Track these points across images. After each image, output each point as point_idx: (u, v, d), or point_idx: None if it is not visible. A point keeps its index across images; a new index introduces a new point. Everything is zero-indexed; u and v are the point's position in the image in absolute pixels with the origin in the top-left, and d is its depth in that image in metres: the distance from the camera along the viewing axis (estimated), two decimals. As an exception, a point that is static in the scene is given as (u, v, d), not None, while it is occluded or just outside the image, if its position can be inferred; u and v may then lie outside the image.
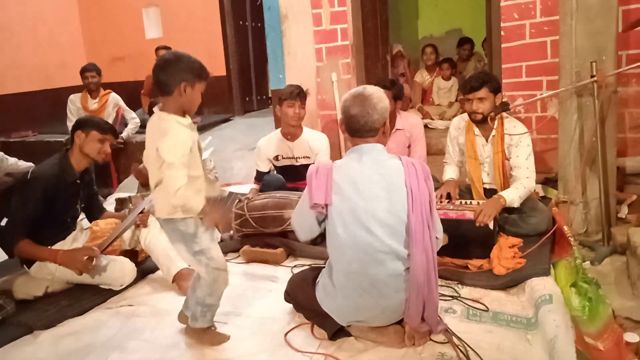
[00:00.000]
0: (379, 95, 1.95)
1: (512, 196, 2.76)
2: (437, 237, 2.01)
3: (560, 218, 2.81)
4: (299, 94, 3.36)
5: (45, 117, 6.16)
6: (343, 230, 1.90)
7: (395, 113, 3.49)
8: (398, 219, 1.89)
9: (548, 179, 3.51)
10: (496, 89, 2.88)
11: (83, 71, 5.05)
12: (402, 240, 1.90)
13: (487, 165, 3.03)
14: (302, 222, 2.08)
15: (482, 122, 2.92)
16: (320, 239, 3.01)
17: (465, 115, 3.06)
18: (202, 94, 2.01)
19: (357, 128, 1.94)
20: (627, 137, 3.51)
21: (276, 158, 3.51)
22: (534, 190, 3.22)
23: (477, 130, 3.01)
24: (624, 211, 3.00)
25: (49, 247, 2.64)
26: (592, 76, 2.67)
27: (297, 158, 3.47)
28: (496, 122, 2.93)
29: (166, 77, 1.93)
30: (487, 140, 2.99)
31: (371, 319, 2.01)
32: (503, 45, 3.74)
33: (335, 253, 1.98)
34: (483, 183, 3.07)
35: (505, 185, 2.93)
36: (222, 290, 2.13)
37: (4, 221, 2.62)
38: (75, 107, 5.09)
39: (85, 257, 2.53)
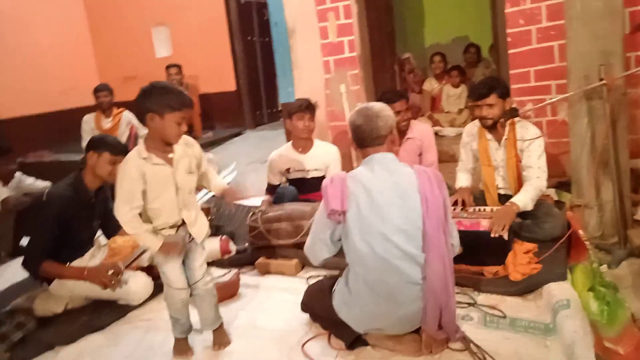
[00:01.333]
0: (381, 106, 2.05)
1: (525, 200, 2.76)
2: (452, 244, 2.02)
3: (575, 222, 2.79)
4: (307, 107, 3.39)
5: (60, 138, 6.25)
6: (360, 238, 1.92)
7: (409, 120, 3.51)
8: (413, 225, 1.91)
9: (561, 183, 3.48)
10: (504, 94, 2.89)
11: (96, 91, 5.14)
12: (418, 246, 1.91)
13: (501, 170, 3.03)
14: (314, 240, 2.09)
15: (492, 127, 2.93)
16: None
17: (477, 122, 3.07)
18: (196, 117, 2.05)
19: (363, 137, 2.01)
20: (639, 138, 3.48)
21: (288, 171, 3.54)
22: (548, 194, 3.22)
23: (489, 135, 3.02)
24: (639, 213, 2.97)
25: (68, 264, 2.68)
26: (600, 79, 2.67)
27: (308, 171, 3.49)
28: (507, 126, 2.93)
29: (137, 107, 2.02)
30: (499, 144, 3.00)
31: (388, 327, 2.01)
32: (510, 51, 3.74)
33: (352, 261, 2.00)
34: (498, 188, 3.06)
35: (519, 186, 2.92)
36: (179, 306, 2.18)
37: (25, 241, 2.68)
38: (90, 128, 5.18)
39: (110, 272, 2.59)
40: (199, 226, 2.19)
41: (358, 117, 2.03)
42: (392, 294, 1.92)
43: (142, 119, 2.04)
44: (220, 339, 2.28)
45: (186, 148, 2.14)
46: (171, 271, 2.14)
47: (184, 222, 2.13)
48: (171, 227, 2.12)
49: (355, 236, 1.93)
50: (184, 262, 2.19)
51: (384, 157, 2.00)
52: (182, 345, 2.24)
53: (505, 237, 2.59)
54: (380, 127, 1.98)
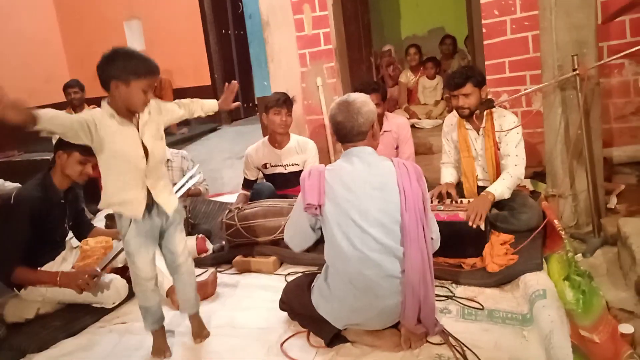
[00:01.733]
0: (362, 100, 2.00)
1: (500, 189, 2.77)
2: (432, 238, 2.01)
3: (550, 212, 2.82)
4: (285, 102, 3.35)
5: (30, 136, 6.06)
6: (338, 231, 1.91)
7: (383, 115, 3.49)
8: (392, 218, 1.90)
9: (537, 173, 3.52)
10: (480, 83, 2.90)
11: (66, 87, 5.01)
12: (397, 239, 1.91)
13: (481, 159, 3.05)
14: (296, 230, 2.10)
15: (469, 117, 2.95)
16: (312, 246, 3.01)
17: (455, 112, 3.07)
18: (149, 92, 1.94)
19: (344, 134, 1.99)
20: (613, 127, 3.54)
21: (265, 166, 3.50)
22: (524, 185, 3.25)
23: (468, 125, 3.03)
24: (613, 202, 3.01)
25: (39, 268, 2.61)
26: (574, 69, 2.68)
27: (285, 166, 3.46)
28: (485, 115, 2.94)
29: (100, 74, 1.90)
30: (478, 134, 3.01)
31: (367, 322, 2.00)
32: (485, 42, 3.76)
33: (331, 255, 1.99)
34: (478, 179, 3.07)
35: (499, 175, 2.93)
36: (148, 294, 2.13)
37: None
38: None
39: (87, 276, 2.53)
40: (166, 195, 2.08)
41: (339, 112, 1.98)
42: (370, 287, 1.91)
43: (105, 87, 1.91)
44: (199, 329, 2.26)
45: (152, 115, 2.03)
46: (141, 261, 2.07)
47: (152, 202, 2.03)
48: (139, 198, 2.00)
49: (334, 229, 1.92)
50: (162, 247, 2.16)
51: (363, 150, 1.99)
52: (160, 344, 2.18)
53: (482, 227, 2.60)
54: (361, 123, 1.96)
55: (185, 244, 2.19)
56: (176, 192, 2.58)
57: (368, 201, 1.90)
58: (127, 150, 1.94)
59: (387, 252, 1.89)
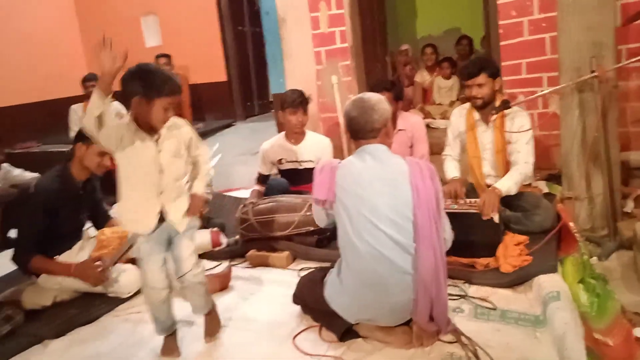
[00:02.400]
0: (377, 98, 2.03)
1: (508, 184, 2.75)
2: (444, 238, 2.01)
3: (565, 214, 2.81)
4: (301, 102, 3.36)
5: (47, 128, 6.18)
6: (350, 227, 1.93)
7: (397, 114, 3.49)
8: (403, 215, 1.90)
9: (552, 175, 3.50)
10: (494, 74, 2.89)
11: (84, 81, 5.07)
12: (409, 236, 1.91)
13: (488, 152, 3.03)
14: (315, 212, 2.16)
15: (482, 108, 2.93)
16: (326, 242, 3.03)
17: (466, 105, 3.07)
18: (181, 107, 1.97)
19: (357, 129, 2.00)
20: (630, 131, 3.50)
21: (280, 161, 3.52)
22: (537, 187, 3.23)
23: (477, 116, 3.02)
24: (629, 205, 2.99)
25: (56, 257, 2.66)
26: (592, 71, 2.67)
27: (300, 162, 3.47)
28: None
29: (122, 89, 1.92)
30: (487, 127, 3.00)
31: (379, 318, 2.01)
32: (502, 43, 3.74)
33: (344, 249, 2.00)
34: (486, 176, 3.07)
35: (507, 170, 2.92)
36: (158, 306, 2.10)
37: (13, 234, 2.64)
38: (77, 117, 5.11)
39: (99, 270, 2.56)
40: (178, 215, 2.06)
41: (353, 108, 2.01)
42: (382, 283, 1.91)
43: (126, 102, 1.93)
44: (212, 327, 2.24)
45: (171, 130, 2.04)
46: (151, 269, 2.05)
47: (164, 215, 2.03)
48: (150, 214, 2.00)
49: (346, 224, 1.94)
50: (171, 254, 2.12)
51: (376, 148, 2.00)
52: (169, 344, 2.16)
53: (496, 219, 2.58)
54: (375, 120, 1.97)
55: (192, 253, 2.12)
56: None
57: (377, 197, 1.91)
58: (143, 165, 1.96)
59: (399, 248, 1.89)
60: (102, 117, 1.79)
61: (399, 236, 1.89)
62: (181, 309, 2.27)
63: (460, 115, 3.15)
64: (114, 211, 3.63)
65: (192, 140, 2.13)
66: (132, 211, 2.02)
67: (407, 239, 1.90)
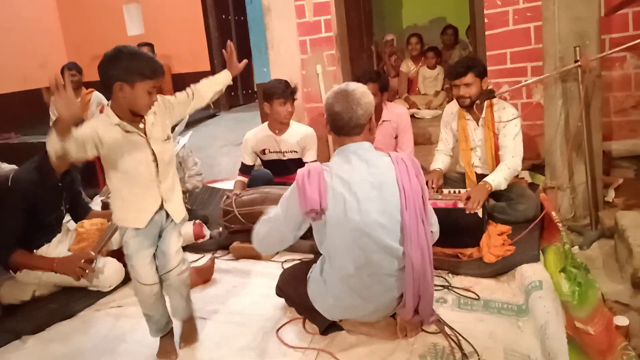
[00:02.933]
0: (362, 90, 1.89)
1: (498, 179, 2.79)
2: (432, 231, 1.99)
3: (548, 204, 2.82)
4: (291, 93, 3.32)
5: (27, 119, 6.05)
6: (337, 233, 1.85)
7: (382, 105, 3.47)
8: (392, 218, 1.85)
9: (535, 165, 3.52)
10: (482, 73, 2.91)
11: (63, 69, 4.97)
12: (397, 238, 1.86)
13: (479, 150, 3.06)
14: (272, 233, 2.00)
15: (470, 107, 2.95)
16: (310, 234, 3.01)
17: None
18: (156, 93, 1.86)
19: (341, 125, 1.88)
20: (612, 121, 3.53)
21: (263, 152, 3.48)
22: (522, 177, 3.25)
23: (467, 115, 3.04)
24: (610, 195, 3.02)
25: (35, 250, 2.61)
26: (575, 61, 2.67)
27: (284, 152, 3.44)
28: (485, 107, 2.94)
29: (102, 75, 1.80)
30: (478, 124, 3.01)
31: (362, 317, 2.00)
32: (487, 33, 3.73)
33: (328, 254, 1.93)
34: (474, 166, 3.09)
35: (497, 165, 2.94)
36: (150, 302, 2.01)
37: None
38: (58, 108, 5.01)
39: (83, 261, 2.51)
40: (177, 203, 2.00)
41: (336, 102, 1.86)
42: (367, 287, 1.89)
43: (108, 88, 1.80)
44: (188, 334, 2.15)
45: (157, 115, 1.94)
46: (140, 264, 1.95)
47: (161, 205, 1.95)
48: (151, 207, 1.92)
49: (333, 231, 1.85)
50: (157, 248, 2.03)
51: (361, 147, 1.89)
52: (165, 346, 2.07)
53: (480, 214, 2.60)
54: (360, 115, 1.85)
55: (179, 249, 2.05)
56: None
57: (368, 202, 1.83)
58: (136, 159, 1.86)
59: (386, 252, 1.86)
60: (62, 155, 1.67)
61: (387, 240, 1.84)
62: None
63: (451, 112, 3.17)
64: (95, 203, 3.59)
65: (169, 101, 2.00)
66: (129, 207, 1.91)
67: (394, 242, 1.86)
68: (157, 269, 2.01)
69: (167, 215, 1.99)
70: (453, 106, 3.17)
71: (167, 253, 2.01)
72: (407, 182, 1.86)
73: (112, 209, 1.96)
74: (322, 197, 1.81)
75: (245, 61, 2.28)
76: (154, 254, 2.01)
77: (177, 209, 2.01)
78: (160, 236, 2.02)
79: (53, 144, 1.64)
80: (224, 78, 2.20)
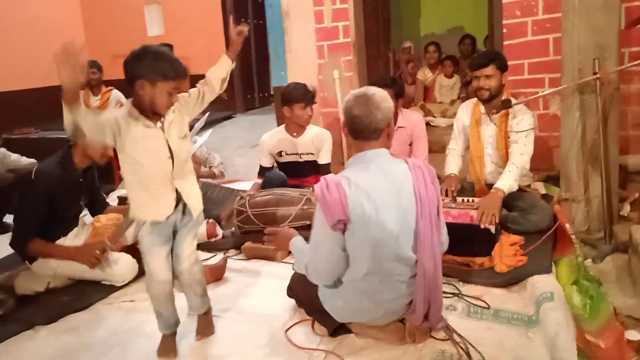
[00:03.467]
0: (382, 95, 1.86)
1: (509, 183, 2.77)
2: (441, 242, 1.99)
3: (562, 215, 2.81)
4: (312, 97, 3.36)
5: (47, 114, 6.15)
6: (354, 241, 1.84)
7: (397, 111, 3.48)
8: (407, 226, 1.85)
9: (550, 177, 3.50)
10: (503, 67, 2.90)
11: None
12: (410, 246, 1.87)
13: (489, 147, 3.04)
14: (328, 258, 1.88)
15: (489, 100, 2.93)
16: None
17: (474, 99, 3.09)
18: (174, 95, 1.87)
19: (360, 129, 1.85)
20: (629, 134, 3.50)
21: (279, 154, 3.51)
22: (536, 188, 3.23)
23: (482, 109, 3.03)
24: (626, 209, 2.99)
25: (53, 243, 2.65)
26: (594, 73, 2.66)
27: (300, 154, 3.47)
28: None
29: (127, 71, 1.83)
30: (490, 119, 3.01)
31: (371, 320, 2.00)
32: (505, 43, 3.73)
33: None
34: (486, 173, 3.08)
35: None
36: (161, 300, 2.04)
37: (9, 218, 2.63)
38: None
39: (99, 251, 2.56)
40: (195, 198, 2.02)
41: (356, 105, 1.84)
42: (377, 291, 1.90)
43: (130, 84, 1.83)
44: (204, 327, 2.19)
45: (176, 113, 1.96)
46: (154, 261, 1.98)
47: (178, 200, 1.97)
48: (167, 201, 1.94)
49: (350, 240, 1.84)
50: (171, 249, 2.05)
51: (378, 154, 1.87)
52: (167, 344, 2.09)
53: (493, 230, 2.59)
54: (379, 120, 1.82)
55: (192, 251, 2.08)
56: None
57: (386, 212, 1.82)
58: (153, 154, 1.88)
59: (400, 260, 1.87)
60: (80, 128, 1.71)
61: (401, 250, 1.85)
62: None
63: (466, 109, 3.16)
64: (111, 199, 3.65)
65: (185, 98, 2.01)
66: (147, 202, 1.93)
67: (408, 251, 1.86)
68: (170, 267, 2.04)
69: (183, 214, 2.02)
70: (469, 103, 3.17)
71: (180, 256, 2.06)
72: (424, 189, 1.86)
73: (129, 202, 1.99)
74: (345, 207, 1.78)
75: (243, 31, 2.15)
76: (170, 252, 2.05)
77: (194, 204, 2.03)
78: (175, 235, 2.04)
79: (66, 118, 1.69)
80: (224, 64, 2.12)
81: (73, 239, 2.73)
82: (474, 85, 2.98)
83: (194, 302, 2.18)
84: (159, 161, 1.90)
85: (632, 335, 1.86)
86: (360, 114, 1.83)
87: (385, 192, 1.83)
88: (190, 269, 2.08)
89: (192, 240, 2.08)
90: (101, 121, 1.80)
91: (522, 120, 2.89)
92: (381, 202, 1.82)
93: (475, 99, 3.07)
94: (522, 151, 2.86)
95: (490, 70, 2.86)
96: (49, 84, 6.48)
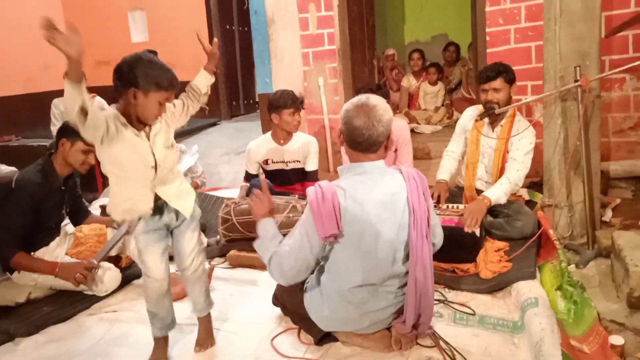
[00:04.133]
0: (384, 107, 1.82)
1: (497, 194, 2.80)
2: (433, 243, 2.00)
3: (545, 221, 2.83)
4: (301, 103, 3.36)
5: (28, 122, 6.07)
6: (347, 253, 1.83)
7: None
8: (400, 239, 1.86)
9: (533, 183, 3.54)
10: (512, 80, 2.94)
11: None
12: (402, 258, 1.87)
13: (486, 157, 3.06)
14: (296, 263, 1.86)
15: (493, 113, 2.95)
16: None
17: (479, 106, 3.11)
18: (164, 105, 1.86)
19: (360, 141, 1.80)
20: (611, 141, 3.55)
21: (266, 162, 3.49)
22: (520, 195, 3.26)
23: (486, 119, 3.05)
24: (608, 215, 3.03)
25: (33, 252, 2.61)
26: (575, 80, 2.70)
27: (287, 162, 3.45)
28: (507, 116, 2.99)
29: (118, 78, 1.79)
30: (493, 130, 3.02)
31: (358, 329, 2.00)
32: (488, 50, 3.77)
33: (331, 271, 1.92)
34: (477, 179, 3.10)
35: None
36: (157, 299, 2.02)
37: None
38: (59, 111, 5.02)
39: (85, 269, 2.52)
40: (183, 200, 2.01)
41: (357, 116, 1.78)
42: (365, 301, 1.90)
43: (119, 92, 1.80)
44: (204, 338, 2.15)
45: (162, 123, 1.94)
46: (150, 259, 1.98)
47: (161, 204, 1.96)
48: (145, 204, 1.93)
49: (341, 251, 1.83)
50: (173, 246, 2.07)
51: (375, 167, 1.85)
52: (159, 351, 2.06)
53: (477, 233, 2.61)
54: (380, 133, 1.78)
55: (195, 244, 2.08)
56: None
57: (381, 225, 1.81)
58: (136, 162, 1.86)
59: (391, 273, 1.87)
60: (85, 107, 1.62)
61: (393, 264, 1.86)
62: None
63: (471, 112, 3.18)
64: (93, 208, 3.59)
65: (170, 109, 1.99)
66: (125, 203, 1.93)
67: (400, 262, 1.87)
68: (167, 265, 2.03)
69: (177, 215, 2.01)
70: (474, 109, 3.18)
71: (181, 252, 2.07)
72: (417, 200, 1.85)
73: (110, 204, 1.97)
74: (339, 219, 1.76)
75: (215, 42, 2.18)
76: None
77: (184, 205, 2.01)
78: (173, 235, 2.06)
79: (71, 95, 1.58)
80: (203, 78, 2.13)
81: (55, 248, 2.69)
82: (482, 98, 3.00)
83: (197, 301, 2.16)
84: (142, 169, 1.88)
85: (615, 339, 1.88)
86: (361, 125, 1.78)
87: (380, 205, 1.82)
88: (193, 265, 2.07)
89: (191, 236, 2.06)
90: (102, 114, 1.74)
91: (524, 138, 2.93)
92: (376, 215, 1.80)
93: (481, 106, 3.08)
94: (518, 168, 2.90)
95: (498, 83, 2.90)
96: (31, 90, 6.41)
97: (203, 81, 2.12)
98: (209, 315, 2.20)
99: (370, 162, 1.84)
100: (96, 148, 1.84)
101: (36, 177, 2.57)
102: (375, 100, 1.82)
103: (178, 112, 2.04)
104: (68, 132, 2.59)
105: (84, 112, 1.62)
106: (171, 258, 2.09)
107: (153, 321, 2.06)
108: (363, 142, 1.80)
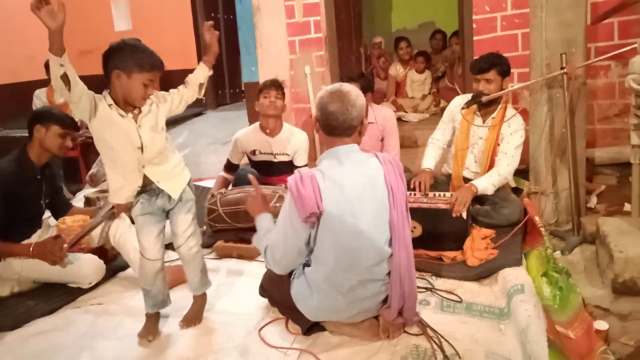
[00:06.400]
0: (357, 93, 1.88)
1: (485, 184, 2.80)
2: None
3: (531, 208, 2.85)
4: (273, 83, 3.33)
5: (11, 112, 5.94)
6: (330, 235, 1.84)
7: (367, 106, 3.47)
8: (382, 220, 1.87)
9: (520, 170, 3.54)
10: (505, 72, 2.92)
11: (48, 64, 4.89)
12: (385, 240, 1.89)
13: (476, 148, 3.06)
14: (286, 249, 1.89)
15: (487, 103, 2.94)
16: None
17: (468, 95, 3.09)
18: (152, 87, 1.94)
19: (334, 126, 1.85)
20: (596, 128, 3.58)
21: (253, 152, 3.46)
22: (507, 182, 3.27)
23: (477, 110, 3.04)
24: (593, 201, 3.05)
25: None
26: (562, 68, 2.70)
27: (275, 154, 3.42)
28: (498, 109, 2.98)
29: (104, 62, 1.90)
30: (483, 122, 3.01)
31: (346, 319, 2.00)
32: (475, 38, 3.76)
33: (317, 258, 1.92)
34: (465, 168, 3.09)
35: (490, 169, 2.96)
36: (150, 277, 2.13)
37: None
38: (41, 102, 4.94)
39: (58, 247, 2.50)
40: (171, 181, 2.08)
41: (331, 101, 1.84)
42: (353, 290, 1.90)
43: (107, 76, 1.90)
44: (192, 315, 2.23)
45: (152, 106, 2.02)
46: (146, 239, 2.10)
47: (149, 186, 2.04)
48: (132, 185, 2.02)
49: (325, 233, 1.84)
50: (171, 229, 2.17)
51: (351, 149, 1.89)
52: (149, 324, 2.15)
53: (464, 216, 2.61)
54: (354, 117, 1.84)
55: (189, 225, 2.15)
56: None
57: (361, 204, 1.83)
58: (122, 142, 1.94)
59: (376, 255, 1.88)
60: (68, 75, 1.73)
61: (377, 243, 1.86)
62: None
63: (460, 101, 3.14)
64: (77, 199, 3.54)
65: (163, 96, 2.09)
66: (117, 182, 2.02)
67: (383, 244, 1.88)
68: (162, 245, 2.15)
69: (170, 198, 2.09)
70: (464, 98, 3.15)
71: (176, 232, 2.16)
72: (395, 182, 1.89)
73: (110, 189, 2.07)
74: (319, 200, 1.79)
75: (211, 24, 2.27)
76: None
77: (172, 187, 2.08)
78: (169, 217, 2.15)
79: (54, 67, 1.71)
80: (200, 71, 2.23)
81: (37, 241, 2.64)
82: (474, 88, 2.98)
83: (192, 279, 2.24)
84: (129, 149, 1.96)
85: (600, 325, 1.90)
86: (335, 110, 1.84)
87: (359, 186, 1.85)
88: (187, 244, 2.16)
89: (184, 218, 2.14)
90: (82, 84, 1.81)
91: (516, 132, 2.92)
92: (355, 196, 1.84)
93: (470, 95, 3.06)
94: (509, 162, 2.90)
95: (491, 75, 2.88)
96: (16, 80, 6.28)
97: (200, 73, 2.22)
98: (204, 295, 2.29)
99: (345, 146, 1.89)
100: (89, 127, 1.94)
101: (9, 166, 2.54)
102: (349, 87, 1.90)
103: (174, 99, 2.12)
104: (40, 117, 2.59)
105: (66, 78, 1.72)
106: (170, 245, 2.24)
107: (146, 298, 2.16)
108: (338, 127, 1.86)
